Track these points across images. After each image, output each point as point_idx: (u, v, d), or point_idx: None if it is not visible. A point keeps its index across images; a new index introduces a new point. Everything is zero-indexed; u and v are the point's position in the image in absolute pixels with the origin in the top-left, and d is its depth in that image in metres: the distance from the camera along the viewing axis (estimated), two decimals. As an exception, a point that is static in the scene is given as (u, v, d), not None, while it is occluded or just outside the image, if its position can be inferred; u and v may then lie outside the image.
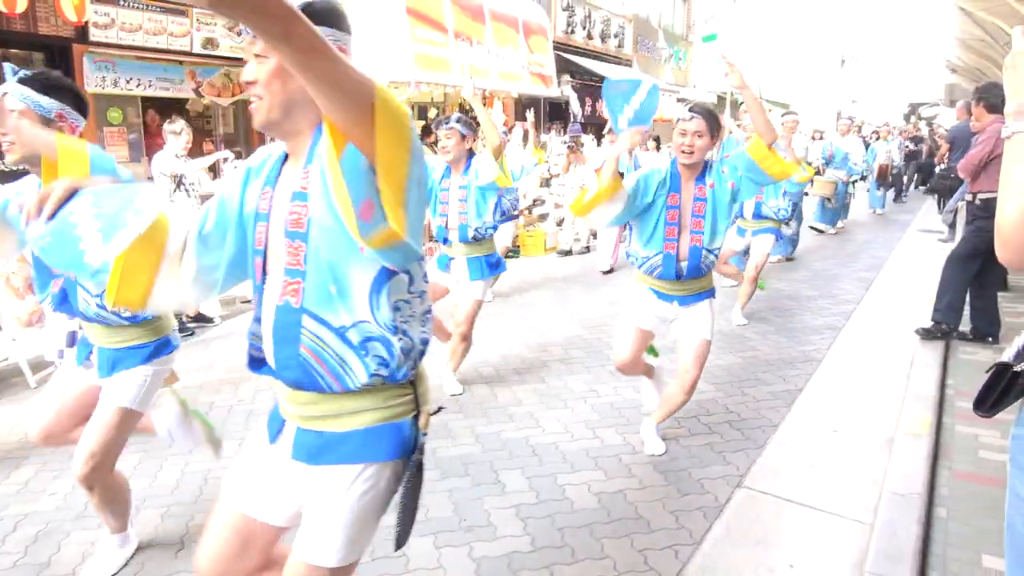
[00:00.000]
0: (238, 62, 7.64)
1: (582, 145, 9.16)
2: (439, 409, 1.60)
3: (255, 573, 1.60)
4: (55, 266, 1.92)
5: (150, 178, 5.81)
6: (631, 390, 4.16)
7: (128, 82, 7.20)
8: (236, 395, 4.24)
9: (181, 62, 7.57)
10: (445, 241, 4.07)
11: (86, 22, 6.46)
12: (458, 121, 3.95)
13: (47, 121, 2.14)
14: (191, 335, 5.50)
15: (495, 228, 4.17)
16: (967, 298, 5.02)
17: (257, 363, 1.51)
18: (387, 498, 1.47)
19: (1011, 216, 1.22)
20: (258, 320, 1.46)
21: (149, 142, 7.74)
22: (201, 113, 9.15)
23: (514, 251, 8.83)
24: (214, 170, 7.02)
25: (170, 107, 8.00)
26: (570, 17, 14.06)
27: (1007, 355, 1.31)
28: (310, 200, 1.33)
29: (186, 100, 8.29)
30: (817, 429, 3.61)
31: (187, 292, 1.52)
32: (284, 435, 1.52)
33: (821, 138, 11.76)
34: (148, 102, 7.89)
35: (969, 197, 4.95)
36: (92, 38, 6.65)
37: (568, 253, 9.10)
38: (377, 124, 1.18)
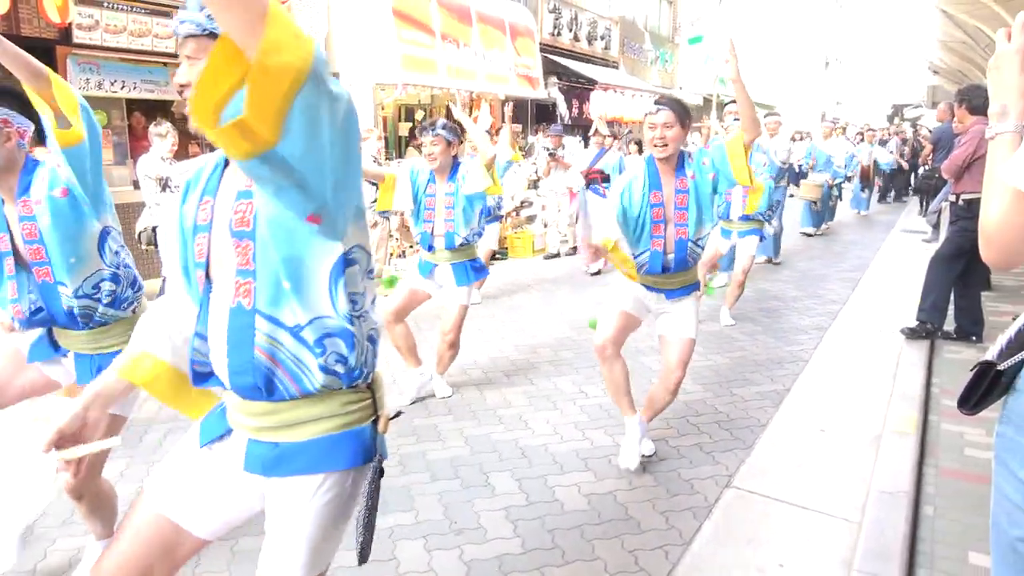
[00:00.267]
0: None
1: (563, 147, 9.13)
2: (399, 413, 1.59)
3: None
4: None
5: (135, 181, 5.75)
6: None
7: (113, 84, 7.13)
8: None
9: (166, 64, 7.49)
10: (429, 248, 4.04)
11: (70, 24, 6.39)
12: (444, 127, 3.87)
13: None
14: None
15: (480, 234, 4.16)
16: (951, 298, 5.08)
17: (201, 377, 1.46)
18: (350, 505, 1.44)
19: (995, 216, 1.24)
20: (201, 335, 1.41)
21: (134, 145, 7.67)
22: (186, 115, 9.06)
23: (502, 253, 8.82)
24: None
25: (155, 109, 7.91)
26: (557, 19, 14.08)
27: (990, 354, 1.33)
28: (255, 196, 1.30)
29: (171, 102, 8.20)
30: (805, 428, 3.64)
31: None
32: (225, 443, 1.47)
33: (802, 139, 11.84)
34: (133, 104, 7.82)
35: (953, 198, 5.00)
36: (76, 40, 6.58)
37: (556, 256, 9.11)
38: (267, 34, 1.05)
